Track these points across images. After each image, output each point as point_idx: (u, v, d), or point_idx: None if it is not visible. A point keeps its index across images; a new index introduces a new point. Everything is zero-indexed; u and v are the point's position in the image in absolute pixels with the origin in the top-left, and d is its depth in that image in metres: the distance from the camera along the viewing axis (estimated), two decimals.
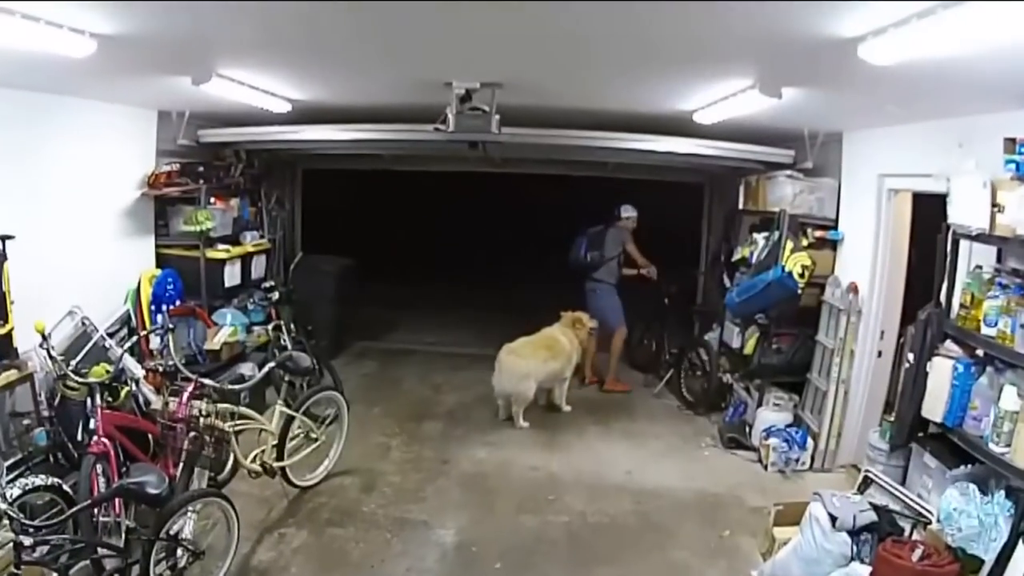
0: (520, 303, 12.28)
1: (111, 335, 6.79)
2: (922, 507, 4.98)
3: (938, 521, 4.57)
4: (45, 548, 3.78)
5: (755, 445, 7.56)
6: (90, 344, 6.42)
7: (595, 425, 8.49)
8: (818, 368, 7.38)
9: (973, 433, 4.59)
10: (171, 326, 6.32)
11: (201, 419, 5.26)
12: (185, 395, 5.36)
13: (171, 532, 4.55)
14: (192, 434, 5.22)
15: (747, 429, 7.83)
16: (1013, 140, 4.33)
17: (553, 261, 10.67)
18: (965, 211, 4.73)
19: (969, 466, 4.73)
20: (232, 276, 8.50)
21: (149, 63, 5.07)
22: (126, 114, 7.30)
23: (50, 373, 5.69)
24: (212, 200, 8.20)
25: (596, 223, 9.98)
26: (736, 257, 8.76)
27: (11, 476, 4.96)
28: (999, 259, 4.81)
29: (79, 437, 5.49)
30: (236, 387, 5.95)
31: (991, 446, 4.38)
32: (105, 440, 5.03)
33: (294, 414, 6.30)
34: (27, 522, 3.83)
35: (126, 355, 6.07)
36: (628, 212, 9.85)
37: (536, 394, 8.44)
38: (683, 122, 6.77)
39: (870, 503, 5.04)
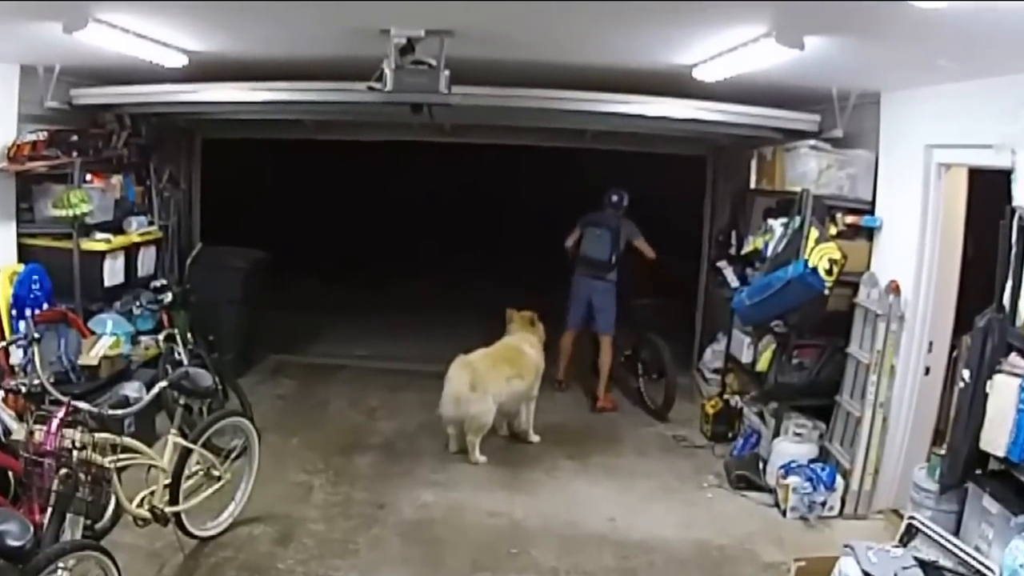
0: (476, 305, 12.30)
1: None
2: (980, 563, 4.96)
3: None
4: None
5: (770, 485, 7.56)
6: None
7: (570, 460, 8.48)
8: (850, 388, 7.38)
9: None
10: (37, 336, 6.18)
11: (75, 452, 5.13)
12: (54, 422, 5.22)
13: None
14: (63, 471, 5.07)
15: (760, 465, 7.84)
16: None
17: (515, 252, 10.69)
18: None
19: None
20: (114, 273, 8.48)
21: (9, 5, 5.01)
22: None
23: None
24: (88, 178, 8.17)
25: (587, 208, 10.10)
26: (747, 249, 8.81)
27: None
28: None
29: None
30: (119, 412, 5.80)
31: None
32: None
33: (191, 446, 6.21)
34: None
35: None
36: (625, 199, 9.95)
37: (496, 420, 8.41)
38: (681, 79, 6.80)
39: (915, 558, 5.04)
